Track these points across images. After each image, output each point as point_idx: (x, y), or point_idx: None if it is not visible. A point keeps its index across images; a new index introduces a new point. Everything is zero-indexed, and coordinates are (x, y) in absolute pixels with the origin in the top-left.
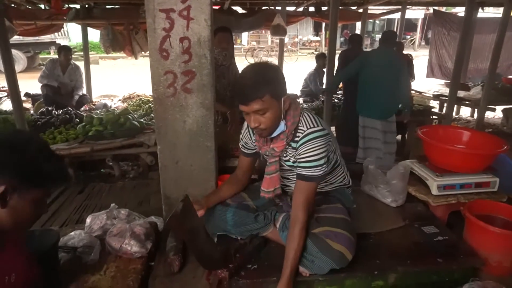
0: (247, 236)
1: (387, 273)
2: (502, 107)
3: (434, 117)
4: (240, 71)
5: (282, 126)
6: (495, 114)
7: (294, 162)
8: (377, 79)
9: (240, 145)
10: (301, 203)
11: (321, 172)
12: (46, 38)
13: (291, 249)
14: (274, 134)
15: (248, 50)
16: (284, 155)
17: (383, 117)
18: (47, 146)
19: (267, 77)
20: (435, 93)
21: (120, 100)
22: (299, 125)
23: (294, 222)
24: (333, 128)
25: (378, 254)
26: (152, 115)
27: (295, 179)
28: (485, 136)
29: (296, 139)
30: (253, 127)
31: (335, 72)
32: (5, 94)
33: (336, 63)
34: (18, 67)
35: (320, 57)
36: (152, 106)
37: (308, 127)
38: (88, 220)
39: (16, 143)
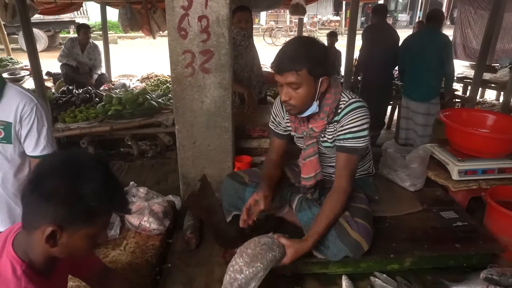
0: (263, 216)
1: (403, 257)
2: None
3: (457, 100)
4: (257, 53)
5: (314, 107)
6: None
7: (332, 141)
8: (423, 61)
9: (271, 126)
10: (345, 175)
11: (363, 144)
12: (65, 17)
13: (326, 215)
14: (305, 114)
15: (266, 30)
16: (322, 135)
17: (427, 99)
18: (109, 178)
19: (310, 52)
20: (459, 75)
21: (138, 80)
22: (340, 102)
23: (338, 189)
24: None
25: (394, 237)
26: (170, 95)
27: (326, 164)
28: (510, 119)
29: (338, 112)
30: (283, 101)
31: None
32: (28, 72)
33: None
34: (40, 46)
35: (330, 36)
36: (170, 86)
37: (349, 98)
38: None
39: (72, 172)
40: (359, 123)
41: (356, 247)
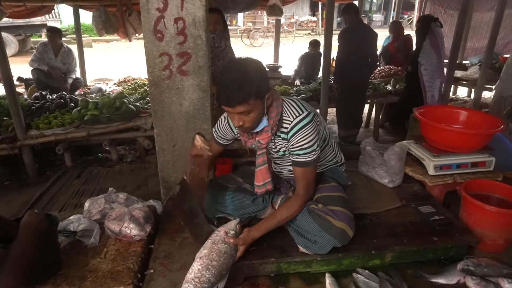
0: (246, 218)
1: (384, 252)
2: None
3: None
4: (235, 55)
5: (264, 122)
6: (492, 94)
7: (285, 151)
8: None
9: (215, 135)
10: (302, 185)
11: (315, 156)
12: (37, 20)
13: (281, 214)
14: (257, 129)
15: (244, 31)
16: (273, 146)
17: None
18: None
19: (252, 78)
20: None
21: (115, 83)
22: (284, 115)
23: (295, 196)
24: (330, 110)
25: (375, 233)
26: (148, 98)
27: (286, 163)
28: (482, 115)
29: (284, 129)
30: (237, 126)
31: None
32: None
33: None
34: (10, 50)
35: (313, 45)
36: (147, 89)
37: (294, 116)
38: (86, 204)
39: None
40: (308, 140)
41: (342, 236)
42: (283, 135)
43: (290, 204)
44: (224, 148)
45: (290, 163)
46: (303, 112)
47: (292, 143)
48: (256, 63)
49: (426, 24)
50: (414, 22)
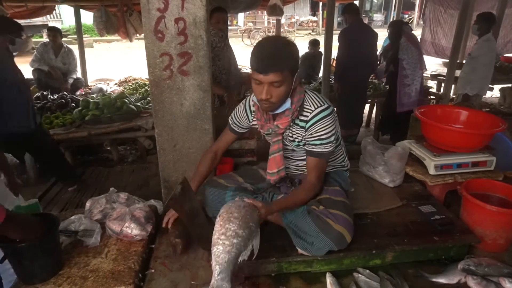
0: None
1: (384, 252)
2: (500, 86)
3: (431, 97)
4: (234, 54)
5: (287, 104)
6: (493, 93)
7: (300, 141)
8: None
9: (230, 122)
10: (314, 175)
11: (331, 149)
12: (38, 21)
13: (298, 195)
14: (279, 110)
15: (244, 31)
16: (290, 134)
17: None
18: None
19: (290, 51)
20: (433, 73)
21: (116, 84)
22: (305, 104)
23: (308, 182)
24: None
25: (376, 233)
26: (149, 98)
27: (295, 157)
28: (482, 115)
29: (304, 118)
30: (264, 99)
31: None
32: None
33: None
34: None
35: (312, 44)
36: (148, 89)
37: (316, 106)
38: (87, 204)
39: None
40: (327, 131)
41: (340, 240)
42: (301, 123)
43: (306, 188)
44: (237, 138)
45: (299, 158)
46: (324, 104)
47: (310, 133)
48: (293, 43)
49: (399, 27)
50: (415, 22)
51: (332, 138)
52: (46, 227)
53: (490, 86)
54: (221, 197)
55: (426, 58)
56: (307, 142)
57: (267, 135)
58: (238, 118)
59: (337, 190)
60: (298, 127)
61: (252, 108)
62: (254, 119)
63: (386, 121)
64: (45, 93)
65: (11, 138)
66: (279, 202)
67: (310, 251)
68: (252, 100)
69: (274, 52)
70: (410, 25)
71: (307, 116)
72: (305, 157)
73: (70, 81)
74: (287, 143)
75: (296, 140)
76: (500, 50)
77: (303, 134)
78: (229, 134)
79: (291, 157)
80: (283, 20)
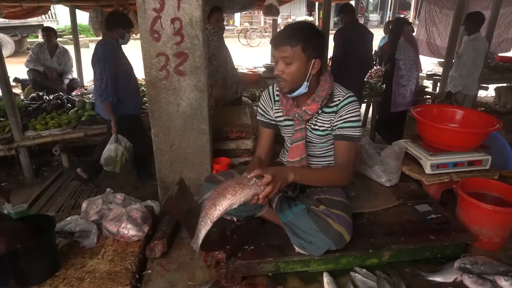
0: (243, 217)
1: (381, 251)
2: (495, 85)
3: (427, 96)
4: (230, 54)
5: (303, 88)
6: (488, 92)
7: (326, 129)
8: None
9: (260, 116)
10: (346, 159)
11: (360, 134)
12: (33, 21)
13: (326, 172)
14: (294, 94)
15: (240, 31)
16: (314, 122)
17: None
18: None
19: (307, 32)
20: (429, 73)
21: None
22: (335, 91)
23: (339, 165)
24: None
25: (372, 232)
26: (145, 99)
27: (312, 151)
28: (478, 114)
29: (335, 103)
30: (276, 74)
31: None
32: None
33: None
34: (6, 51)
35: None
36: (144, 89)
37: (345, 93)
38: (84, 205)
39: None
40: (355, 113)
41: (339, 239)
42: (331, 109)
43: (335, 169)
44: (274, 132)
45: (315, 151)
46: (352, 94)
47: (340, 115)
48: (318, 29)
49: (400, 25)
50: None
51: (360, 123)
52: (37, 230)
53: (485, 85)
54: None
55: (422, 57)
56: (336, 127)
57: (285, 126)
58: (263, 108)
59: (338, 191)
60: (327, 114)
61: (276, 98)
62: (279, 109)
63: (382, 121)
64: (40, 93)
65: (123, 121)
66: (300, 171)
67: (308, 250)
68: (276, 90)
69: (290, 29)
70: (412, 26)
71: (339, 100)
72: (319, 153)
73: (66, 81)
74: (308, 132)
75: (321, 128)
76: (494, 49)
77: (332, 119)
78: (264, 130)
79: (308, 150)
80: (279, 20)
